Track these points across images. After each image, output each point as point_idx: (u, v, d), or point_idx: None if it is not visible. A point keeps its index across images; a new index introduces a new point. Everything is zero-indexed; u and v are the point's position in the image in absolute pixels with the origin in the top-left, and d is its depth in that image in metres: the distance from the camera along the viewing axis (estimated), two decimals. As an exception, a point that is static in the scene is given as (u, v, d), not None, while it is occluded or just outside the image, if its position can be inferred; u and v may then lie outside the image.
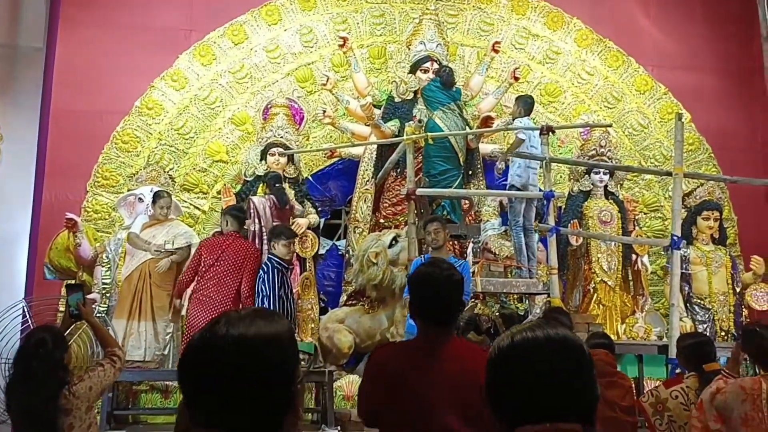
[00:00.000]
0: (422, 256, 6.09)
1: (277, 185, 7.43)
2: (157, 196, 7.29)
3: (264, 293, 6.16)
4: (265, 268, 6.29)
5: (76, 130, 8.15)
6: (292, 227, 7.52)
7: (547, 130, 6.75)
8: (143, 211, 7.33)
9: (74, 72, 8.18)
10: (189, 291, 6.84)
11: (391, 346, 2.58)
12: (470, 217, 7.88)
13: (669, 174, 6.61)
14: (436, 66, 8.06)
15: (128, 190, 7.88)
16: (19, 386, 2.93)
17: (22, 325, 5.61)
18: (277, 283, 6.16)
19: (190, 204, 8.45)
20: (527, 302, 7.33)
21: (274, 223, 7.05)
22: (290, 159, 7.82)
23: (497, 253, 7.37)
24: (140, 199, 7.46)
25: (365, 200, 8.20)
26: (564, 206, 8.08)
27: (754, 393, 3.02)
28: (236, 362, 1.16)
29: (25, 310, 5.63)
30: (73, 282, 5.07)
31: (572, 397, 1.18)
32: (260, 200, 7.24)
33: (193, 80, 8.67)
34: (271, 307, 6.04)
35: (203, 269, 6.59)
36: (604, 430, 3.68)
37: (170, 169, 8.31)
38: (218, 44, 8.76)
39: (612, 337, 7.25)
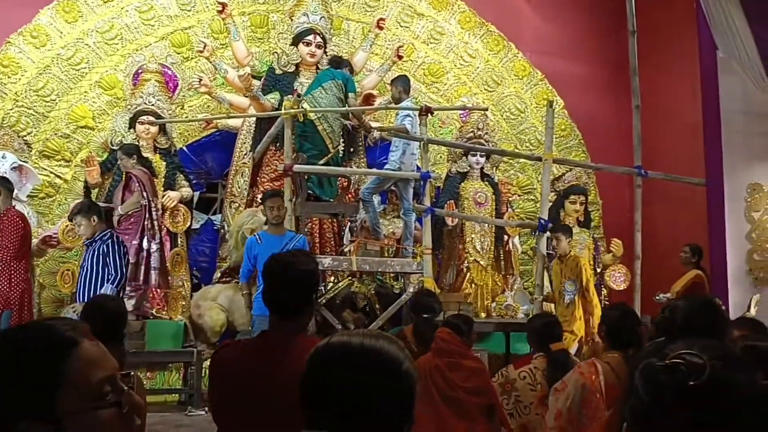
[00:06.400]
0: (257, 235, 5.95)
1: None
2: None
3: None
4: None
5: None
6: (163, 200, 7.18)
7: (426, 112, 6.79)
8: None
9: None
10: None
11: (233, 345, 2.43)
12: (350, 196, 7.83)
13: (539, 159, 6.84)
14: (319, 39, 7.89)
15: (-24, 155, 7.20)
16: None
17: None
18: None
19: (51, 172, 7.84)
20: (402, 281, 7.41)
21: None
22: (162, 128, 7.42)
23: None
24: (-9, 165, 6.83)
25: (242, 174, 7.95)
26: (442, 187, 8.20)
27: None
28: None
29: None
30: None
31: (365, 410, 1.13)
32: (141, 172, 6.78)
33: (55, 38, 8.00)
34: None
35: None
36: (450, 410, 3.73)
37: (28, 134, 7.67)
38: (85, 0, 8.12)
39: (482, 315, 7.58)
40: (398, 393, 1.15)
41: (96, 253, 5.74)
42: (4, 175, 6.50)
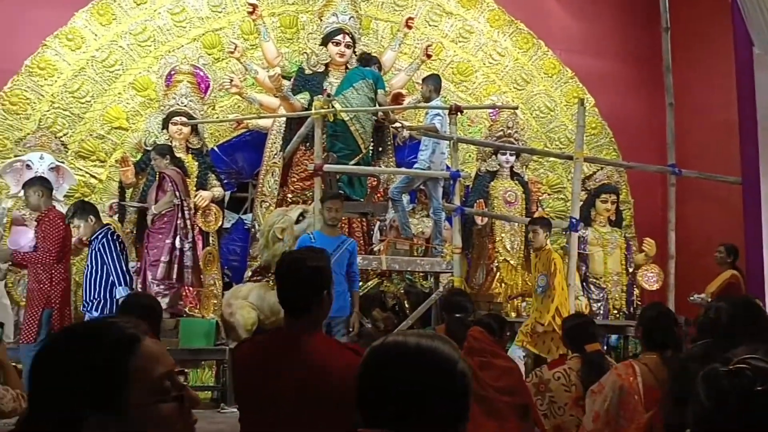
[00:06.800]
0: (311, 234, 5.98)
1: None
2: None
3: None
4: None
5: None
6: (195, 199, 7.28)
7: (455, 110, 6.78)
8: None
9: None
10: None
11: (250, 342, 2.46)
12: (379, 195, 7.85)
13: (570, 158, 6.78)
14: (348, 39, 7.92)
15: (15, 156, 7.36)
16: None
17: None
18: None
19: (86, 172, 7.99)
20: (432, 280, 7.41)
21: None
22: (194, 129, 7.51)
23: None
24: (28, 165, 6.98)
25: (273, 174, 8.01)
26: (471, 185, 8.17)
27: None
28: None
29: None
30: None
31: (421, 409, 1.14)
32: (174, 172, 6.81)
33: (90, 40, 8.15)
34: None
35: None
36: (480, 409, 3.72)
37: (64, 135, 7.83)
38: (118, 3, 8.25)
39: (512, 314, 7.53)
40: (454, 392, 1.17)
41: (94, 252, 5.77)
42: (43, 175, 6.63)
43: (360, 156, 7.23)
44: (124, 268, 5.81)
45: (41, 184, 5.97)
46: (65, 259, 5.71)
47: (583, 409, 3.53)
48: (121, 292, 5.65)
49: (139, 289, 6.93)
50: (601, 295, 7.88)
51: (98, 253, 5.77)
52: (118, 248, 5.81)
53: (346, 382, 2.11)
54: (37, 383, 1.03)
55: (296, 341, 2.14)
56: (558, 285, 6.00)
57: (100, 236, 5.79)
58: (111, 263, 5.73)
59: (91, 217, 5.82)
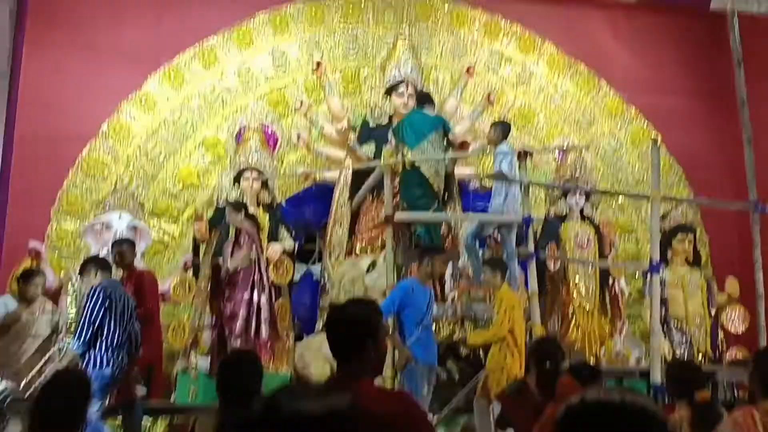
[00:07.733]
0: (411, 285, 5.97)
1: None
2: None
3: None
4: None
5: (42, 155, 7.88)
6: (268, 253, 7.35)
7: (524, 156, 6.74)
8: (111, 240, 6.92)
9: (40, 96, 7.92)
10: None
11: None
12: (448, 242, 7.80)
13: (647, 197, 6.63)
14: (411, 90, 8.03)
15: (95, 217, 7.62)
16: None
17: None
18: None
19: (160, 230, 8.20)
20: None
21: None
22: (264, 184, 7.65)
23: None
24: (107, 226, 7.20)
25: (341, 224, 8.07)
26: (540, 230, 8.03)
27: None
28: None
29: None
30: None
31: None
32: (250, 227, 6.86)
33: (162, 103, 8.47)
34: None
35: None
36: None
37: (139, 195, 8.07)
38: (188, 67, 8.58)
39: (591, 360, 7.27)
40: None
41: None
42: (124, 235, 6.82)
43: (437, 204, 7.26)
44: (86, 326, 5.30)
45: (129, 242, 6.14)
46: (157, 315, 5.80)
47: (696, 461, 3.35)
48: (72, 344, 5.41)
49: (215, 343, 6.97)
50: (684, 338, 7.56)
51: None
52: (91, 305, 5.35)
53: (388, 426, 2.10)
54: None
55: (340, 388, 2.15)
56: (497, 323, 5.76)
57: (90, 291, 5.49)
58: (81, 315, 5.47)
59: (93, 271, 5.62)
